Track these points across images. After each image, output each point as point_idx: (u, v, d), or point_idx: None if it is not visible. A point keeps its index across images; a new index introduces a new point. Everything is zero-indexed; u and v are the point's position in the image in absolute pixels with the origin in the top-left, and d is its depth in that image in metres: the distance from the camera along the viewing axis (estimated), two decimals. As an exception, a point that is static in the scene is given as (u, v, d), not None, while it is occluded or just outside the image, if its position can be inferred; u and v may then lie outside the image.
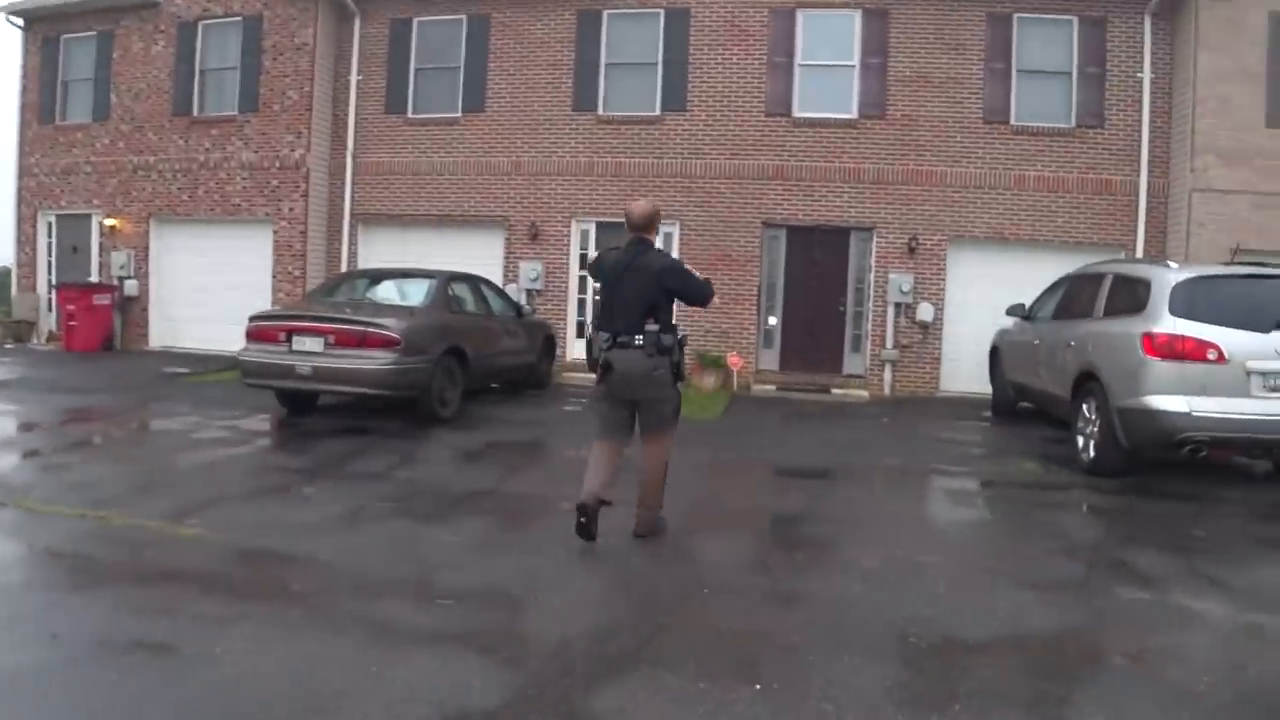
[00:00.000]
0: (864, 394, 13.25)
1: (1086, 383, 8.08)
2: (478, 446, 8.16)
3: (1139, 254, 12.97)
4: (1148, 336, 7.25)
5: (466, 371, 9.53)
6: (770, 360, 14.14)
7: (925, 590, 4.58)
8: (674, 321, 5.18)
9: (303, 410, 9.52)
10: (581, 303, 14.56)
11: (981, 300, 13.14)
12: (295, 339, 8.70)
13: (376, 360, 8.44)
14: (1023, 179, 13.31)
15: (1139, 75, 13.18)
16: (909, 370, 13.62)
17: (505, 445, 8.38)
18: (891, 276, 13.49)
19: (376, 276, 10.68)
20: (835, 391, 13.29)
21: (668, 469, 5.24)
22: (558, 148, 14.41)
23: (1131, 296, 7.90)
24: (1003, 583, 4.78)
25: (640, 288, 4.97)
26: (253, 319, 9.17)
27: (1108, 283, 8.53)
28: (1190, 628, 4.24)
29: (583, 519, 4.89)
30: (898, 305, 13.55)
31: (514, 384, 11.75)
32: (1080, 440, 8.11)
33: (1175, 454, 7.23)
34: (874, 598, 4.46)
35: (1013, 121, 13.38)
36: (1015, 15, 13.35)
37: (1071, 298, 9.43)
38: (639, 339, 4.93)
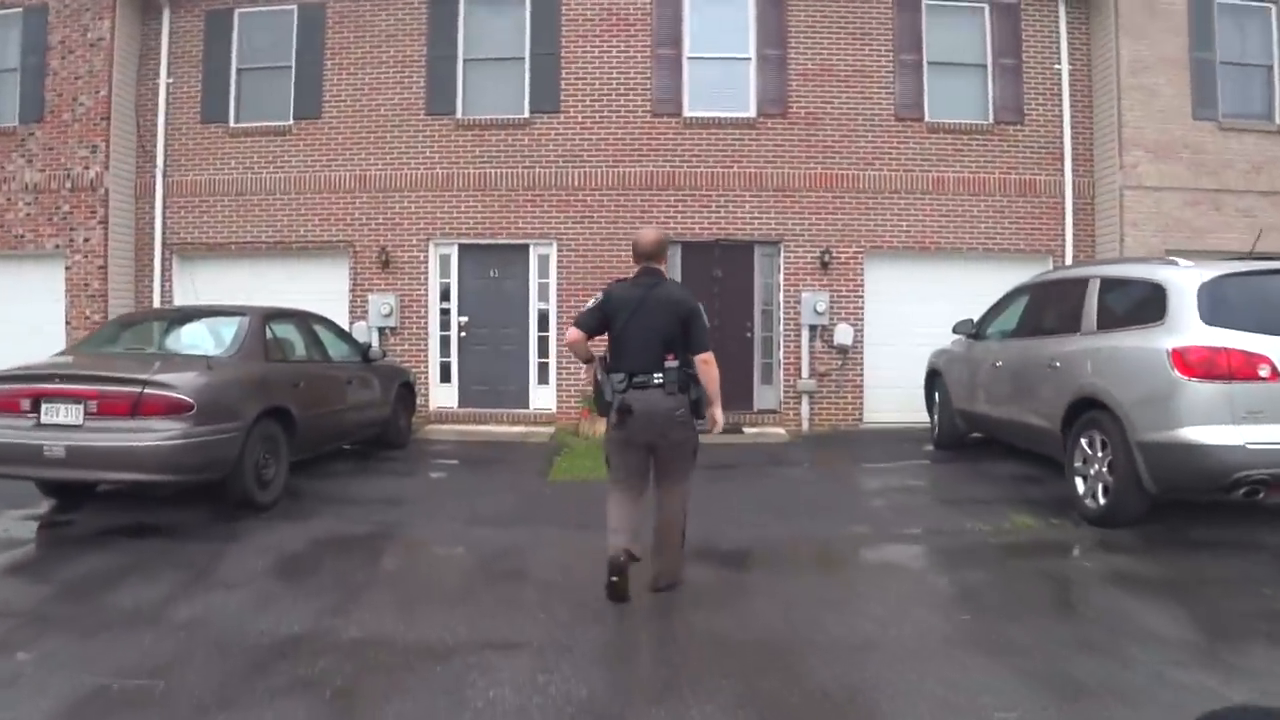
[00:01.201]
0: (781, 432, 11.50)
1: (1085, 411, 6.53)
2: (305, 547, 5.86)
3: (1068, 260, 11.75)
4: (1178, 352, 5.75)
5: (294, 438, 7.19)
6: (670, 397, 12.17)
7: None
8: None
9: (74, 501, 7.03)
10: (444, 341, 12.32)
11: (905, 318, 11.75)
12: (45, 407, 6.20)
13: (158, 433, 5.99)
14: (941, 181, 11.91)
15: (1056, 67, 12.06)
16: (829, 402, 11.96)
17: (345, 543, 6.05)
18: (804, 295, 11.83)
19: (170, 318, 8.23)
20: (748, 431, 11.48)
21: (688, 514, 4.91)
22: (410, 158, 12.21)
23: (1138, 303, 6.42)
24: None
25: (659, 322, 4.64)
26: (-17, 382, 6.62)
27: (1094, 288, 7.00)
28: None
29: (614, 578, 4.56)
30: (812, 328, 11.89)
31: (366, 444, 9.47)
32: (1080, 483, 6.55)
33: (1223, 497, 5.71)
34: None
35: (927, 118, 11.97)
36: (924, 1, 12.04)
37: (1041, 309, 7.93)
38: (658, 377, 4.59)
